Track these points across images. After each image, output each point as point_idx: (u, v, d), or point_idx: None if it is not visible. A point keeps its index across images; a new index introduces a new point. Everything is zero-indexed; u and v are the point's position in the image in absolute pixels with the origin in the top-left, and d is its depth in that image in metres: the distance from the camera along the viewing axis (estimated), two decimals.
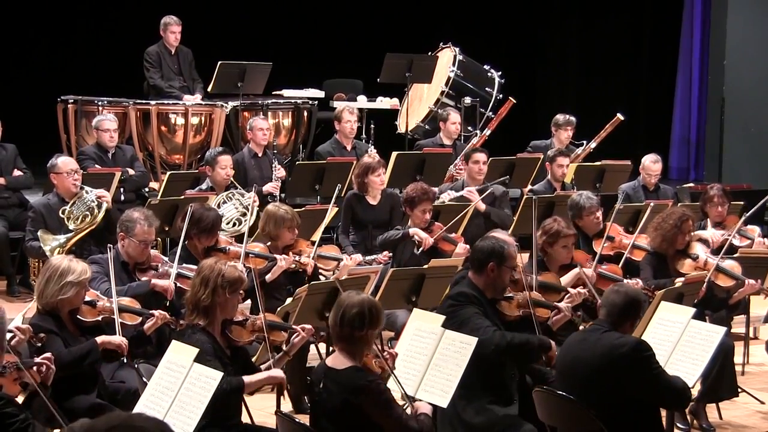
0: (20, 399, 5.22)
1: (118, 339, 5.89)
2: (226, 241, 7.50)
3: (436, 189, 9.33)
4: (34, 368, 5.07)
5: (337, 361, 4.99)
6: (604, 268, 7.47)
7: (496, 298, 5.92)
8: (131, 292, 6.48)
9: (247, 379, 5.36)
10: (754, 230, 8.65)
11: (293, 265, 7.34)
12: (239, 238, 7.64)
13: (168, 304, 6.57)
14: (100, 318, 5.99)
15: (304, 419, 5.18)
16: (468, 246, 7.93)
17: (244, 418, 5.74)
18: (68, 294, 5.75)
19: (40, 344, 5.49)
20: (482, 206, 9.07)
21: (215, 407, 5.00)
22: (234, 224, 8.70)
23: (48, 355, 5.21)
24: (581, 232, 8.03)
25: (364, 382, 4.89)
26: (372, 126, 12.09)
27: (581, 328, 6.45)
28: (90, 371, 5.81)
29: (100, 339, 5.84)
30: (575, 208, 8.13)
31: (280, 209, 7.53)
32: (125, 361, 5.96)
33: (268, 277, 7.21)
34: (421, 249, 8.02)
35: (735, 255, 7.83)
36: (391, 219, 8.89)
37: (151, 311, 6.21)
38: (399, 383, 5.16)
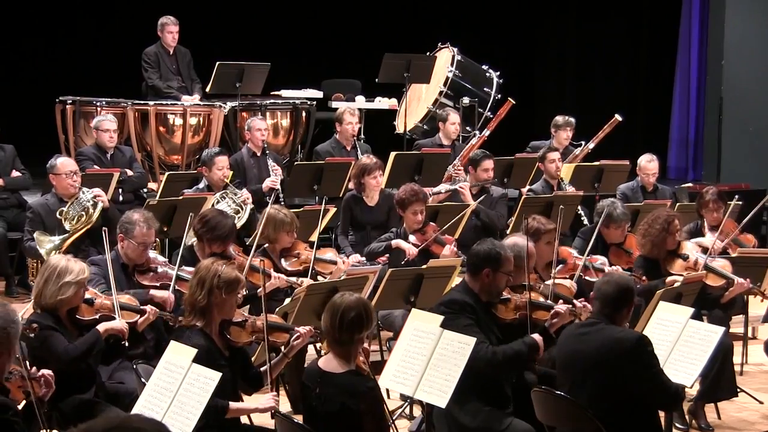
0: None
1: (119, 324, 5.97)
2: (236, 248, 7.48)
3: (430, 189, 9.35)
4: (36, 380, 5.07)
5: (332, 364, 4.98)
6: (591, 260, 7.52)
7: (491, 302, 5.90)
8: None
9: (233, 405, 5.29)
10: (751, 239, 8.62)
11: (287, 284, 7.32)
12: (245, 250, 7.62)
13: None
14: (98, 316, 6.00)
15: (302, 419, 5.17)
16: (454, 249, 7.94)
17: (243, 419, 5.74)
18: (67, 294, 5.76)
19: (33, 335, 5.49)
20: (472, 201, 9.09)
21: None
22: None
23: (49, 372, 5.18)
24: (601, 240, 8.03)
25: (363, 388, 4.89)
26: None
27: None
28: (87, 371, 5.82)
29: (101, 327, 5.91)
30: (605, 216, 8.08)
31: (280, 213, 7.54)
32: (125, 344, 6.03)
33: (259, 291, 7.17)
34: (406, 260, 7.99)
35: (732, 255, 7.85)
36: (389, 220, 8.89)
37: (143, 308, 6.23)
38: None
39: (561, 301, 6.53)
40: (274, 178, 9.79)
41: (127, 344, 6.06)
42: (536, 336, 5.76)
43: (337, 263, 7.65)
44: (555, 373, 5.82)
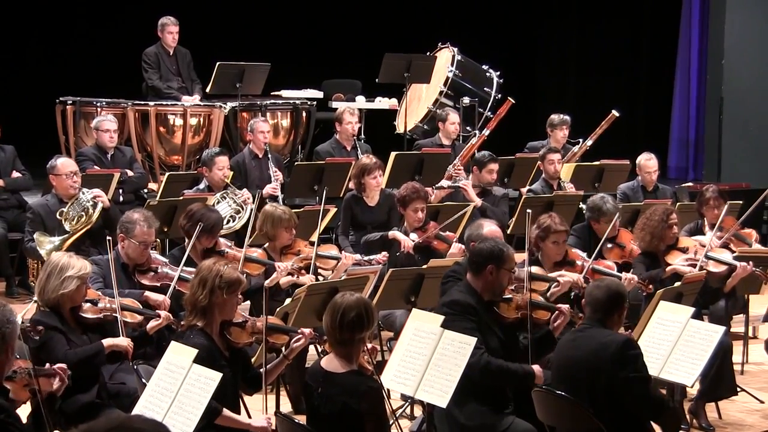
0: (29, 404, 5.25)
1: (125, 342, 5.89)
2: (225, 244, 7.50)
3: (431, 188, 9.35)
4: (47, 376, 5.07)
5: (335, 364, 4.98)
6: (600, 263, 7.50)
7: (494, 300, 5.90)
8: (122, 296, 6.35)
9: (228, 413, 5.25)
10: (752, 234, 8.59)
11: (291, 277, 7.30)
12: (239, 243, 7.62)
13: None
14: (101, 316, 5.99)
15: (303, 419, 5.18)
16: (462, 245, 7.93)
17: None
18: (69, 288, 5.73)
19: (38, 337, 5.47)
20: (478, 201, 9.11)
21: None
22: (228, 221, 8.80)
23: (63, 366, 5.18)
24: (593, 236, 8.02)
25: (365, 387, 4.90)
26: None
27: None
28: (90, 371, 5.81)
29: (106, 342, 5.83)
30: (595, 210, 8.09)
31: (278, 209, 7.54)
32: (130, 363, 5.96)
33: (267, 282, 7.18)
34: (400, 252, 7.99)
35: (734, 254, 7.86)
36: (390, 219, 8.89)
37: (156, 311, 6.21)
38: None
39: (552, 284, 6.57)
40: (274, 185, 9.75)
41: (131, 363, 5.99)
42: (537, 368, 5.71)
43: (340, 259, 7.64)
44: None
